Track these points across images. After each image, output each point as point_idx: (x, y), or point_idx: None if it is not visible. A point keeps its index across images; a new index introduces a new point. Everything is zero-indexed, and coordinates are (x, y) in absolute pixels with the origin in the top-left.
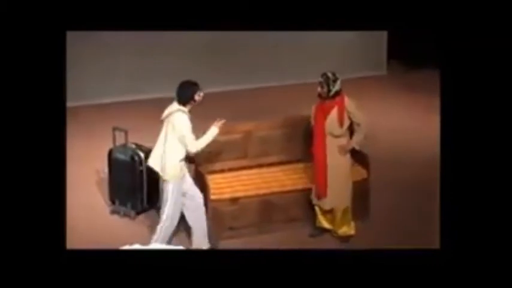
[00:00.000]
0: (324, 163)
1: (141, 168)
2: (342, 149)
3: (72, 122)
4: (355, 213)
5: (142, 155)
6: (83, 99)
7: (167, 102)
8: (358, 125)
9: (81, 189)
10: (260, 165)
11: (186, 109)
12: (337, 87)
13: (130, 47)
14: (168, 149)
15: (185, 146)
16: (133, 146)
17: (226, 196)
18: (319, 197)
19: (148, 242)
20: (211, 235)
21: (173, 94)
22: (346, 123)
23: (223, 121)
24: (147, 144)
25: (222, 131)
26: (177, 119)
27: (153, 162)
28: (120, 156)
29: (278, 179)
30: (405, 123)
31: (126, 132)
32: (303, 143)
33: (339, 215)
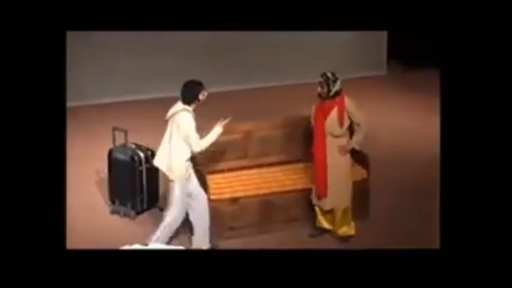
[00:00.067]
0: (324, 163)
1: (141, 168)
2: (342, 149)
3: (72, 122)
4: (355, 213)
5: (142, 155)
6: (83, 99)
7: (167, 102)
8: (358, 125)
9: (81, 189)
10: (260, 165)
11: (190, 108)
12: (337, 87)
13: (130, 47)
14: (173, 149)
15: (189, 145)
16: (133, 146)
17: (226, 196)
18: (319, 197)
19: (148, 242)
20: (212, 235)
21: (173, 94)
22: (346, 123)
23: (227, 120)
24: (147, 144)
25: (222, 131)
26: (182, 119)
27: (159, 162)
28: (120, 156)
29: (278, 179)
30: (405, 123)
31: (126, 132)
32: (303, 143)
33: (339, 215)
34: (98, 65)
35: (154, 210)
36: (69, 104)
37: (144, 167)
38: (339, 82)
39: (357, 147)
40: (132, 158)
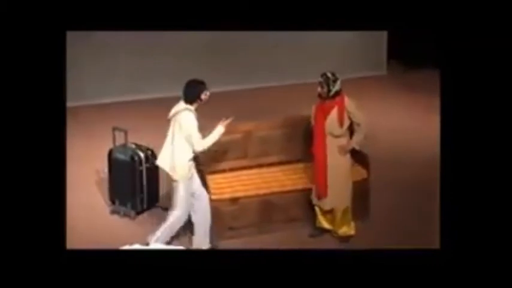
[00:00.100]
0: (324, 163)
1: (141, 168)
2: (342, 149)
3: (72, 122)
4: (355, 213)
5: (142, 155)
6: (83, 99)
7: (167, 102)
8: (358, 125)
9: (81, 189)
10: (260, 165)
11: (192, 108)
12: (337, 87)
13: (130, 47)
14: (176, 148)
15: (191, 144)
16: (133, 146)
17: (226, 196)
18: (319, 197)
19: (149, 240)
20: (212, 235)
21: (173, 94)
22: (346, 123)
23: (229, 120)
24: (147, 144)
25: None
26: (184, 118)
27: (162, 162)
28: (120, 156)
29: (278, 179)
30: (405, 123)
31: (126, 132)
32: (303, 143)
33: (339, 215)
34: (98, 65)
35: (155, 210)
36: (69, 104)
37: (144, 167)
38: (339, 82)
39: (357, 147)
40: (132, 158)
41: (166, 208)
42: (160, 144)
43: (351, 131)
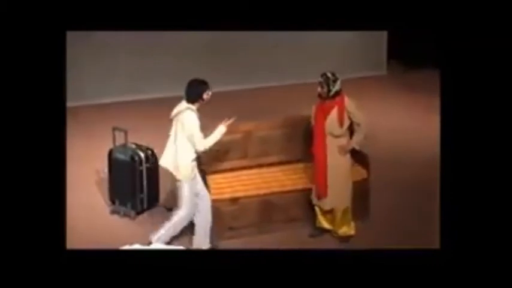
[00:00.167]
0: (324, 163)
1: (141, 168)
2: (342, 149)
3: (72, 122)
4: (355, 213)
5: (142, 155)
6: (83, 99)
7: (167, 102)
8: (358, 125)
9: (81, 189)
10: (260, 165)
11: (194, 107)
12: (337, 87)
13: (130, 47)
14: (179, 148)
15: (193, 144)
16: (133, 146)
17: (226, 196)
18: (319, 197)
19: (151, 239)
20: (212, 235)
21: (173, 94)
22: (346, 123)
23: (231, 120)
24: (147, 144)
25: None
26: (186, 118)
27: (165, 162)
28: (120, 156)
29: (278, 179)
30: (405, 123)
31: (126, 132)
32: (303, 143)
33: (339, 215)
34: (98, 65)
35: (155, 210)
36: (69, 104)
37: (144, 167)
38: (339, 82)
39: (357, 147)
40: (132, 158)
41: (171, 208)
42: (161, 144)
43: (351, 131)
